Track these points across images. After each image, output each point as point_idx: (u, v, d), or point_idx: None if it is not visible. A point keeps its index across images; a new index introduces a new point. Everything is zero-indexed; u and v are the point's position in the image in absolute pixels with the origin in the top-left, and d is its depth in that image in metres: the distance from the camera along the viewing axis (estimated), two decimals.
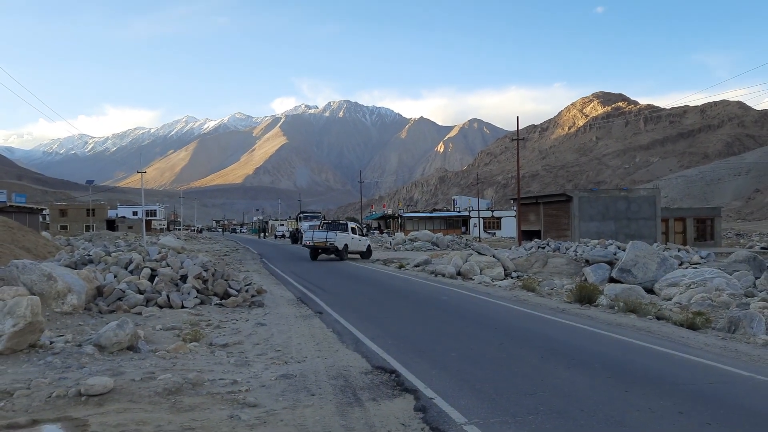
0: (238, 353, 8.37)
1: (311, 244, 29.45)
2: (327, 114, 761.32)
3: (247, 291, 14.49)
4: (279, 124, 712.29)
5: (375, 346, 8.74)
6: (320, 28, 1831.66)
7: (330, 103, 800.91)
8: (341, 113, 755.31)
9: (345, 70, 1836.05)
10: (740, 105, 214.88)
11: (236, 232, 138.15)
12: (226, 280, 14.40)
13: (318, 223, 37.19)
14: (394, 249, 41.96)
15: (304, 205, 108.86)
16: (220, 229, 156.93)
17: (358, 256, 31.48)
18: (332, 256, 29.89)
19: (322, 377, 6.89)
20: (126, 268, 13.94)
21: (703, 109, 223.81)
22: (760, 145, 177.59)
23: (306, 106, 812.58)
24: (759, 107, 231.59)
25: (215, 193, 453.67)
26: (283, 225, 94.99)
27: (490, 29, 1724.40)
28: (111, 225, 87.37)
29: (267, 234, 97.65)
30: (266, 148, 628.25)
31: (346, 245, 29.43)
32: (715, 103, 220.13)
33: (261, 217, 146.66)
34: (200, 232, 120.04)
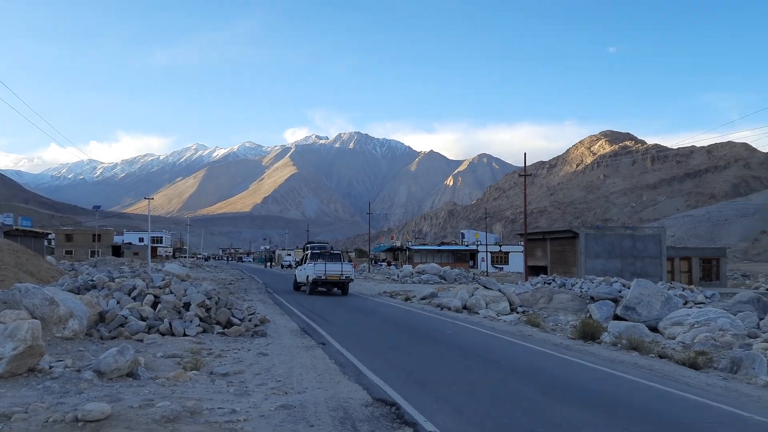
0: (239, 382, 8.37)
1: (324, 277, 26.60)
2: (337, 145, 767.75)
3: (250, 320, 14.49)
4: (289, 154, 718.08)
5: (377, 378, 8.72)
6: (336, 61, 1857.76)
7: (341, 134, 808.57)
8: (351, 144, 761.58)
9: (358, 102, 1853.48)
10: (746, 147, 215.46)
11: (242, 261, 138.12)
12: (229, 308, 14.42)
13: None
14: (401, 281, 41.84)
15: (312, 235, 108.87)
16: (225, 258, 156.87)
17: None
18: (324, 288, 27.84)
19: (321, 408, 6.87)
20: (129, 295, 13.99)
21: (710, 149, 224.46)
22: (766, 187, 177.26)
23: (317, 136, 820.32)
24: (765, 149, 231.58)
25: (222, 221, 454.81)
26: (290, 255, 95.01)
27: (504, 66, 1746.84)
28: (117, 251, 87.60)
29: (274, 263, 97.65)
30: (275, 178, 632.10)
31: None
32: (722, 144, 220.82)
33: (268, 247, 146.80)
34: (207, 260, 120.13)
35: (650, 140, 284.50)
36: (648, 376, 9.90)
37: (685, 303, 24.11)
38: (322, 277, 26.64)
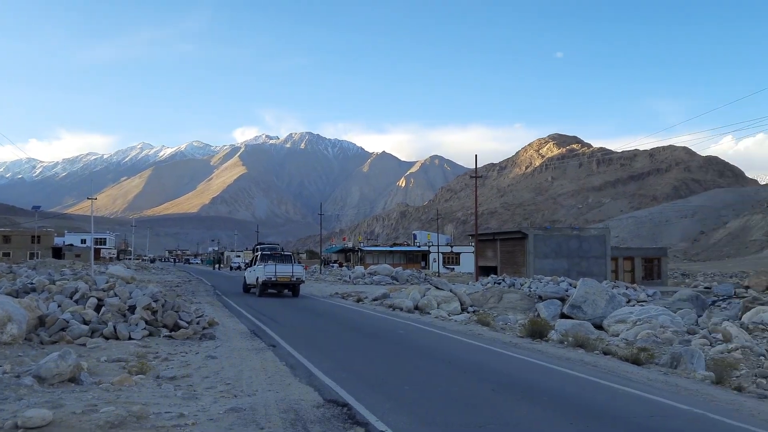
0: (187, 386, 8.18)
1: (274, 279, 26.15)
2: (288, 145, 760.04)
3: (198, 323, 14.19)
4: (238, 154, 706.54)
5: (328, 379, 8.68)
6: (287, 60, 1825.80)
7: (292, 134, 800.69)
8: (303, 144, 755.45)
9: (310, 102, 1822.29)
10: (686, 150, 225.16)
11: (190, 263, 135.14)
12: (176, 311, 14.08)
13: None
14: (353, 283, 41.76)
15: (262, 236, 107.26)
16: (172, 260, 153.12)
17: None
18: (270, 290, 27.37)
19: (272, 411, 6.78)
20: (71, 298, 13.50)
21: (652, 153, 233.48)
22: (704, 190, 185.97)
23: (267, 136, 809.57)
24: (703, 153, 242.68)
25: (169, 222, 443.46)
26: (239, 256, 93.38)
27: (456, 68, 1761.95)
28: (57, 253, 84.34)
29: (222, 265, 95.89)
30: (224, 178, 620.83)
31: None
32: (663, 148, 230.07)
33: (216, 248, 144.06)
34: (153, 262, 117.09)
35: (596, 143, 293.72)
36: (593, 372, 10.21)
37: (629, 301, 24.96)
38: (273, 279, 26.24)
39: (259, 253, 28.20)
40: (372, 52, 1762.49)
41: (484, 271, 45.34)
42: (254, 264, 28.66)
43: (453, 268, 71.28)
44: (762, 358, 13.01)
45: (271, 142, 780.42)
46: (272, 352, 11.35)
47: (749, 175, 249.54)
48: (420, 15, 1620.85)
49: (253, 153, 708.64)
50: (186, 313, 14.66)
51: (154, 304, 13.56)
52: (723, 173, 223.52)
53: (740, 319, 18.82)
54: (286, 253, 29.45)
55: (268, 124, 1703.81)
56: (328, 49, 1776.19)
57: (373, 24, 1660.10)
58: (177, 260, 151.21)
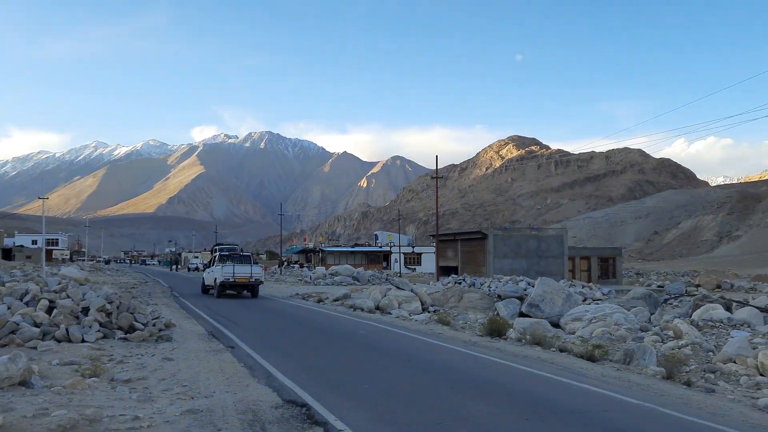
0: (142, 389, 8.03)
1: (232, 280, 25.97)
2: (248, 144, 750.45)
3: (154, 325, 13.90)
4: (196, 153, 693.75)
5: (287, 380, 8.63)
6: (247, 58, 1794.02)
7: (251, 133, 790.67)
8: (263, 144, 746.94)
9: (270, 101, 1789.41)
10: (641, 152, 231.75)
11: (146, 264, 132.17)
12: (131, 313, 13.77)
13: None
14: (314, 283, 41.51)
15: (221, 237, 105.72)
16: (128, 261, 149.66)
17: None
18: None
19: (230, 412, 6.72)
20: (21, 300, 13.07)
21: (608, 155, 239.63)
22: (658, 191, 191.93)
23: (226, 135, 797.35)
24: (657, 155, 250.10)
25: (124, 223, 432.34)
26: (197, 257, 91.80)
27: (418, 69, 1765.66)
28: (7, 254, 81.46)
29: (180, 266, 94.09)
30: (181, 177, 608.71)
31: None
32: (619, 150, 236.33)
33: (174, 249, 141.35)
34: (108, 263, 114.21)
35: (554, 146, 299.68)
36: (549, 369, 10.43)
37: (585, 300, 25.57)
38: (231, 280, 26.00)
39: (218, 253, 27.84)
40: (332, 52, 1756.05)
41: (445, 271, 45.74)
42: (213, 265, 28.25)
43: (414, 269, 71.63)
44: (710, 353, 13.48)
45: (230, 141, 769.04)
46: (230, 353, 11.23)
47: (700, 177, 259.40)
48: (380, 17, 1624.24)
49: (211, 152, 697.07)
50: (142, 314, 14.35)
51: (108, 306, 13.24)
52: (676, 175, 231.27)
53: (691, 316, 19.47)
54: (244, 253, 29.13)
55: (227, 123, 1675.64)
56: (289, 48, 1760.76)
57: (334, 24, 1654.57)
58: (133, 261, 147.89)
